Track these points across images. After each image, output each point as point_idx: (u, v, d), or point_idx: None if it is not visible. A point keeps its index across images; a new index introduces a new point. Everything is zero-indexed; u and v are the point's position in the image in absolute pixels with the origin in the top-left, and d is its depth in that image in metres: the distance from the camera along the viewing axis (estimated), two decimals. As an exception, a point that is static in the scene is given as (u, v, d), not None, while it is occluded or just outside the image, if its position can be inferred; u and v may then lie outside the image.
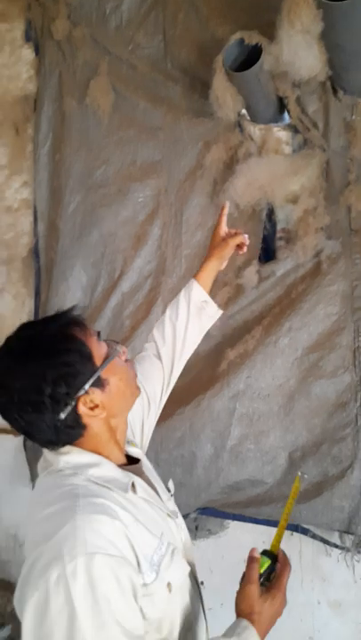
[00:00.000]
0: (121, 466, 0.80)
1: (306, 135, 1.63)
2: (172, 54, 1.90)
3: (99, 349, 0.76)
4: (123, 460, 0.83)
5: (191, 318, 1.09)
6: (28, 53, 2.24)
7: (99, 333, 0.80)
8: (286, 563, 0.78)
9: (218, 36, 1.74)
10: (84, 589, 0.58)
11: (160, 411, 1.08)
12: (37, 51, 2.19)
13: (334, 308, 1.61)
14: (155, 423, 1.07)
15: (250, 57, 1.55)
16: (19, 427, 0.73)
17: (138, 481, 0.79)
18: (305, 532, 1.62)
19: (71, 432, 0.75)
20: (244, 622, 0.72)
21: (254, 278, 1.73)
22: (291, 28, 1.41)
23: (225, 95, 1.61)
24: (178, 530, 0.85)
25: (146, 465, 0.89)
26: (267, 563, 0.77)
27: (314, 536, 1.60)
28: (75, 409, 0.73)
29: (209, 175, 1.84)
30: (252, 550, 0.78)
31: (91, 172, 2.06)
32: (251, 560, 0.77)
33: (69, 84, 2.08)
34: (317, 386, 1.61)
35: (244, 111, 1.72)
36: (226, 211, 1.17)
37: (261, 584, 0.75)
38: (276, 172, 1.63)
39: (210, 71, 1.64)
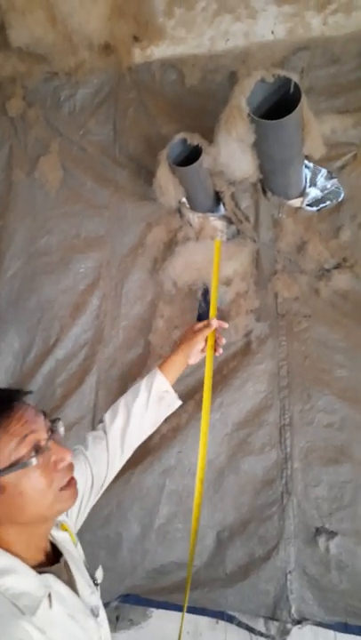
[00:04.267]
0: (39, 566, 0.72)
1: (239, 226, 1.79)
2: (120, 142, 2.06)
3: (10, 451, 0.68)
4: (41, 557, 0.75)
5: (150, 406, 1.07)
6: (-20, 124, 2.32)
7: (46, 416, 0.75)
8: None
9: (163, 132, 1.93)
10: None
11: (102, 492, 1.03)
12: (-10, 123, 2.28)
13: (262, 386, 1.69)
14: (94, 503, 1.01)
15: (191, 154, 1.72)
16: None
17: (57, 588, 0.71)
18: (230, 619, 1.56)
19: None
20: None
21: (188, 353, 1.79)
22: (228, 135, 1.60)
23: (168, 184, 1.76)
24: (97, 629, 0.77)
25: (70, 554, 0.81)
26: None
27: (239, 624, 1.55)
28: None
29: (150, 253, 1.94)
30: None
31: (34, 240, 2.10)
32: None
33: (19, 157, 2.17)
34: (246, 462, 1.64)
35: (184, 199, 1.88)
36: (214, 327, 1.13)
37: None
38: (212, 257, 1.75)
39: (155, 161, 1.79)
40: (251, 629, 1.54)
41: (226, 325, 1.15)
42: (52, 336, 2.01)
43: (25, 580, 0.67)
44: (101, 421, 1.07)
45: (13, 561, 0.69)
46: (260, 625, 1.54)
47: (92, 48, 2.06)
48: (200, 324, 1.14)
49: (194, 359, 1.14)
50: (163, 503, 1.66)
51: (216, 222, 1.87)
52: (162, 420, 1.13)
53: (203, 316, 1.85)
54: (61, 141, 2.12)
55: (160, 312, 1.87)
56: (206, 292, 1.84)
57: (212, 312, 1.15)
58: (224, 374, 1.73)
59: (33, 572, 0.69)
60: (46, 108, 2.18)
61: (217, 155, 1.65)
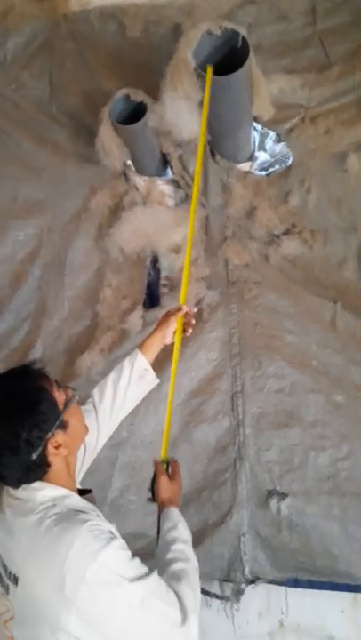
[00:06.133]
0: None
1: (187, 191, 1.73)
2: (57, 99, 1.90)
3: (59, 396, 0.91)
4: (76, 491, 0.94)
5: (132, 383, 1.21)
6: None
7: (57, 381, 0.94)
8: (175, 460, 1.16)
9: (105, 88, 1.80)
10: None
11: (91, 461, 1.18)
12: None
13: (214, 354, 1.68)
14: (85, 470, 1.16)
15: (135, 112, 1.62)
16: None
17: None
18: (187, 583, 1.58)
19: (38, 470, 0.87)
20: (168, 510, 1.04)
21: (139, 323, 1.73)
22: (174, 92, 1.52)
23: (111, 145, 1.65)
24: None
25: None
26: (164, 464, 1.15)
27: (195, 587, 1.57)
28: (44, 449, 0.85)
29: (94, 219, 1.84)
30: (155, 459, 1.16)
31: (-35, 205, 1.92)
32: (156, 464, 1.14)
33: None
34: (199, 431, 1.63)
35: (129, 162, 1.78)
36: (184, 312, 1.25)
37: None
38: (161, 223, 1.69)
39: (96, 119, 1.67)
40: (206, 592, 1.56)
41: (195, 310, 1.32)
42: (-9, 310, 1.87)
43: (78, 500, 0.90)
44: (90, 397, 1.21)
45: (66, 490, 0.89)
46: (215, 587, 1.58)
47: (22, -9, 1.87)
48: (174, 309, 1.27)
49: (169, 339, 1.26)
50: (115, 476, 1.63)
51: (164, 187, 1.79)
52: (143, 395, 1.27)
53: (152, 284, 1.79)
54: (-9, 96, 1.93)
55: (107, 281, 1.79)
56: (156, 261, 1.78)
57: (182, 299, 1.27)
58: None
59: (79, 497, 0.91)
60: (-28, 57, 1.96)
61: (163, 113, 1.56)
